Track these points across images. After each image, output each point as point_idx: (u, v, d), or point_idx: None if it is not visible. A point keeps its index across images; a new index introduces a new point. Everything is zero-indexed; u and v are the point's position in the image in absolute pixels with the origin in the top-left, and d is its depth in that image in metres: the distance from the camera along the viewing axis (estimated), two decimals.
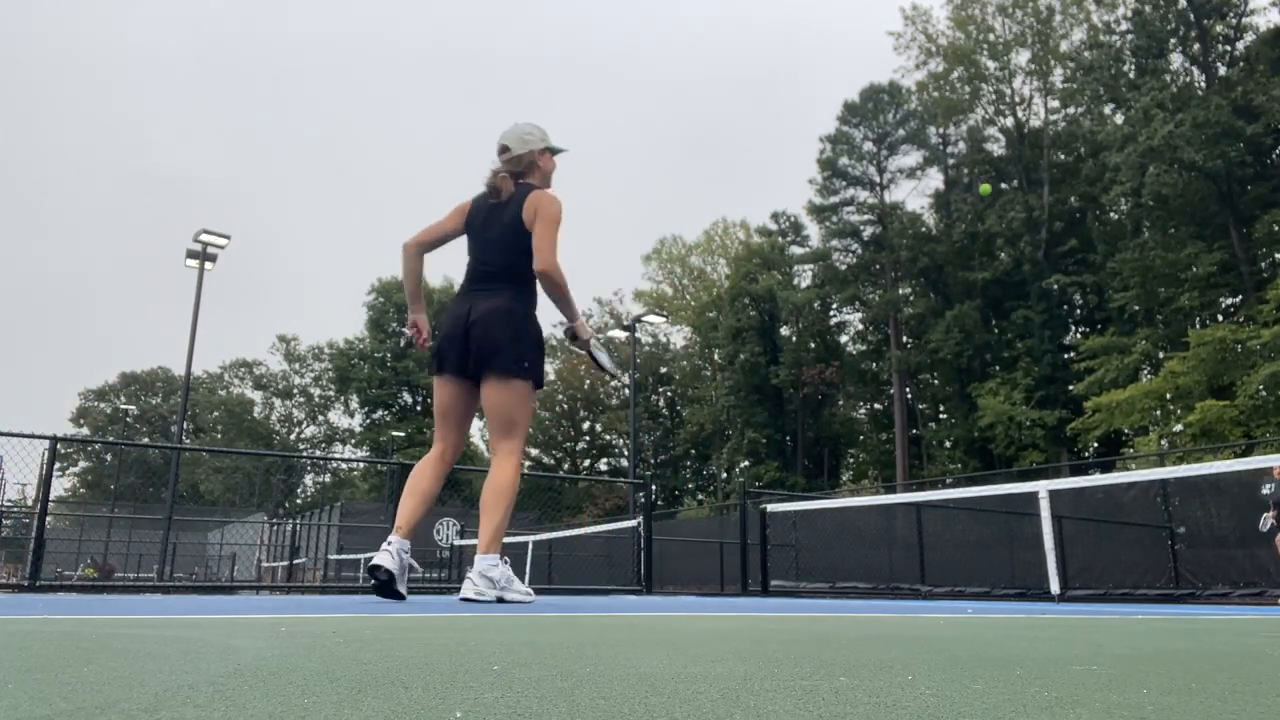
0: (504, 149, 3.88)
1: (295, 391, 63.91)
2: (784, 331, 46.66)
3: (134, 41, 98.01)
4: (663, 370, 57.28)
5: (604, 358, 4.08)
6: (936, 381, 42.12)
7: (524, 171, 3.86)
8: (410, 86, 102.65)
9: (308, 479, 63.85)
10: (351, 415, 59.74)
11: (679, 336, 56.84)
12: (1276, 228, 27.16)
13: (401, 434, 50.44)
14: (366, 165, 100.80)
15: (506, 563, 3.66)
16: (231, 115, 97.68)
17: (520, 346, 3.66)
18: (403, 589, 3.63)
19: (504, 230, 3.73)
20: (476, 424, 62.16)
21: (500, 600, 3.55)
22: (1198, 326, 28.89)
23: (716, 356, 51.33)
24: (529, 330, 3.71)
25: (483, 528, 3.64)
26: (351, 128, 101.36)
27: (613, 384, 57.42)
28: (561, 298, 3.75)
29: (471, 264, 3.86)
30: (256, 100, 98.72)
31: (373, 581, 3.60)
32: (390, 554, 3.57)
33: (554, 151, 3.97)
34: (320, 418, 63.40)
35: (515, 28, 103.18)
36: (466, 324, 3.66)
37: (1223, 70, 31.13)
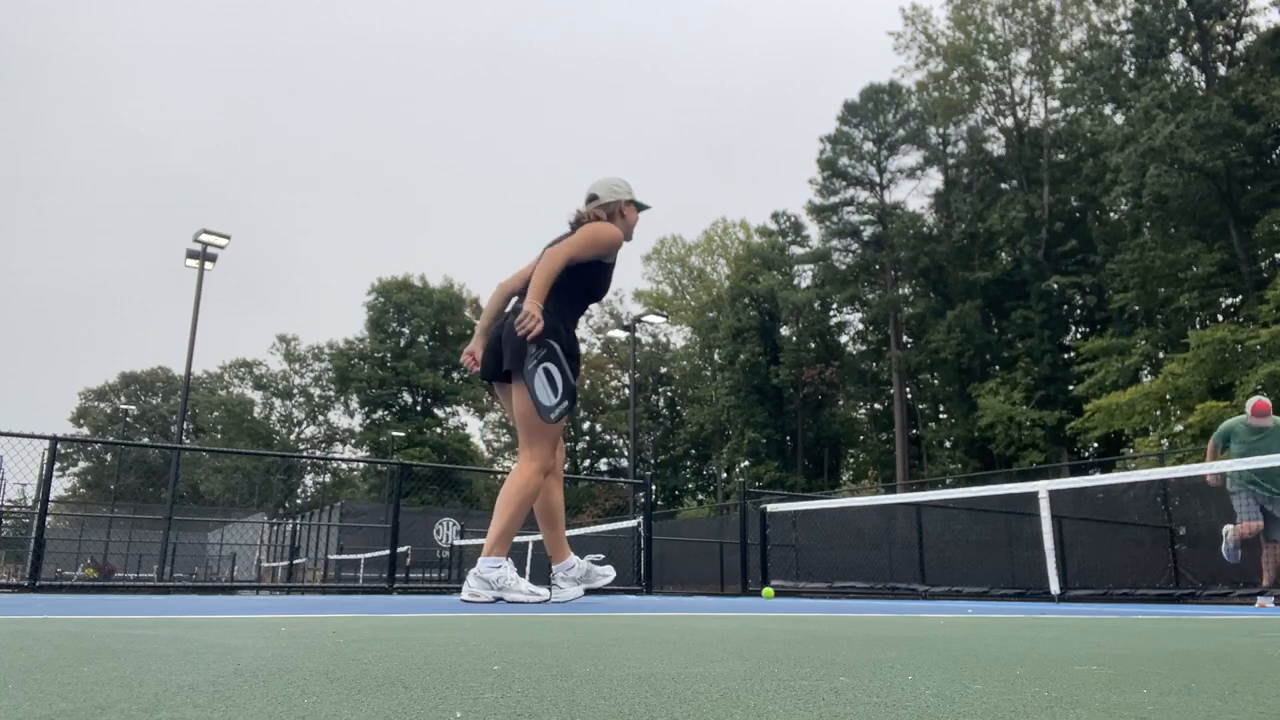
0: (592, 197, 4.00)
1: (295, 391, 63.89)
2: (784, 331, 46.66)
3: (135, 41, 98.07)
4: (663, 370, 57.29)
5: (538, 385, 3.83)
6: (936, 381, 42.12)
7: (610, 219, 3.98)
8: (411, 85, 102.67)
9: (308, 479, 63.83)
10: (351, 415, 59.75)
11: (679, 336, 56.86)
12: (1276, 228, 27.13)
13: (401, 434, 50.42)
14: (367, 164, 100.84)
15: (509, 563, 3.66)
16: (232, 114, 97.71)
17: (525, 339, 3.61)
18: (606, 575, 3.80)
19: (549, 249, 3.83)
20: (476, 425, 61.56)
21: (499, 600, 3.59)
22: (1198, 327, 28.88)
23: (716, 356, 51.34)
24: (557, 329, 3.71)
25: (491, 528, 3.68)
26: (352, 126, 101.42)
27: (613, 384, 57.43)
28: (536, 281, 3.62)
29: (517, 281, 3.99)
30: (257, 99, 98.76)
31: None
32: (468, 582, 3.71)
33: (639, 207, 4.09)
34: (320, 418, 63.39)
35: (516, 28, 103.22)
36: (500, 334, 3.77)
37: (1223, 70, 31.12)
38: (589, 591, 3.74)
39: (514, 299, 3.97)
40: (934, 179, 42.92)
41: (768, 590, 8.47)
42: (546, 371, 3.66)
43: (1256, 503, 7.27)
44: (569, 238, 3.75)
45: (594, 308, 59.59)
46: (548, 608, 3.56)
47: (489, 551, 3.64)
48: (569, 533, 4.16)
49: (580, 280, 3.81)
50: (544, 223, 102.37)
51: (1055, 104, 38.29)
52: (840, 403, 47.09)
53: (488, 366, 3.85)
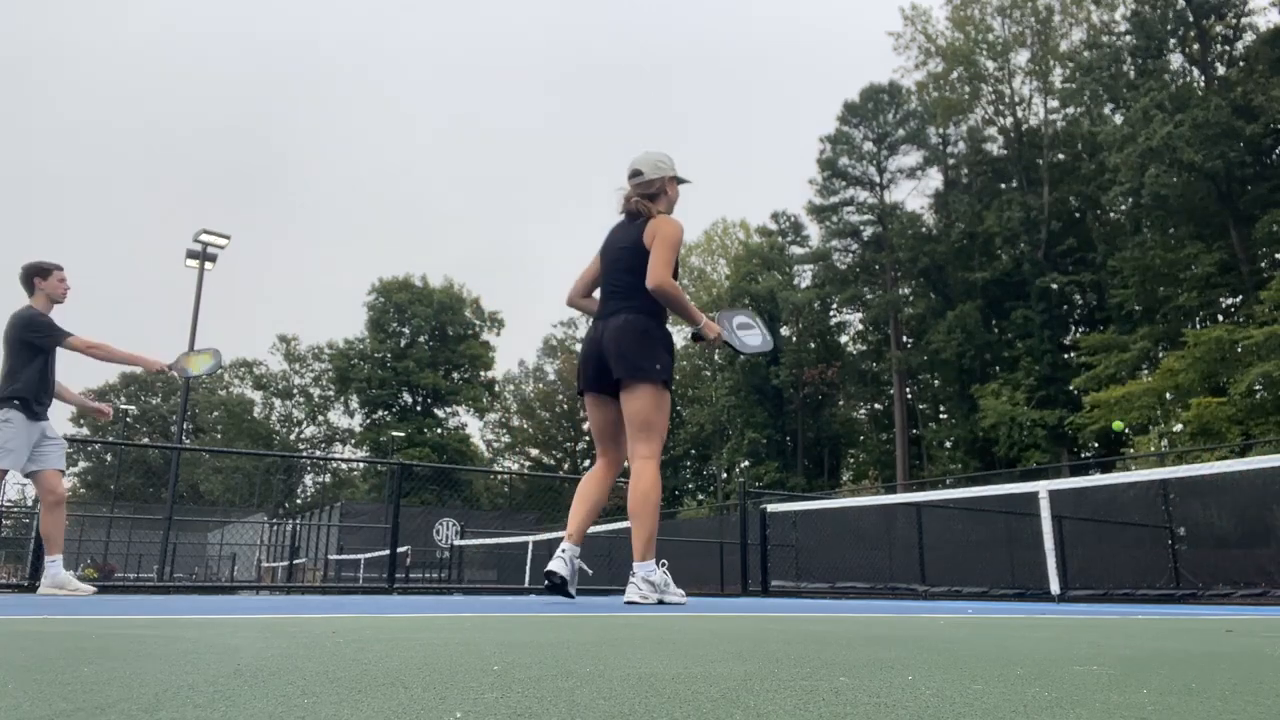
0: (636, 173, 4.07)
1: (295, 391, 63.88)
2: (784, 332, 46.66)
3: (135, 39, 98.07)
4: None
5: (747, 340, 4.20)
6: (937, 382, 42.12)
7: (654, 195, 4.04)
8: (411, 85, 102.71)
9: (308, 479, 63.82)
10: (351, 415, 59.73)
11: (679, 336, 56.83)
12: (1276, 228, 27.14)
13: (401, 434, 50.40)
14: (367, 164, 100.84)
15: (664, 566, 3.84)
16: (232, 113, 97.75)
17: (647, 351, 3.80)
18: (572, 591, 3.81)
19: (626, 252, 3.93)
20: (476, 425, 61.61)
21: (660, 602, 3.72)
22: (1197, 326, 28.91)
23: (716, 356, 51.32)
24: (656, 336, 3.86)
25: (635, 536, 3.77)
26: (352, 125, 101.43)
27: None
28: (678, 308, 3.88)
29: (602, 288, 4.06)
30: (257, 98, 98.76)
31: (546, 584, 3.82)
32: (564, 560, 3.76)
33: (680, 181, 4.15)
34: (320, 418, 63.37)
35: (515, 27, 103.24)
36: (600, 344, 3.86)
37: (1222, 70, 31.13)
38: (552, 587, 3.82)
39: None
40: (934, 179, 42.98)
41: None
42: (729, 334, 4.08)
43: None
44: (656, 254, 3.81)
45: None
46: (546, 607, 3.58)
47: (643, 556, 3.75)
48: (606, 499, 4.17)
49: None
50: (544, 222, 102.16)
51: (1054, 104, 38.33)
52: (840, 403, 47.09)
53: (590, 379, 3.95)
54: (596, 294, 4.15)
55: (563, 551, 3.79)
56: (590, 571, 4.22)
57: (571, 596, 3.82)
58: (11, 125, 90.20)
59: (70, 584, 5.46)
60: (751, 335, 4.22)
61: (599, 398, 3.98)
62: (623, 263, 3.94)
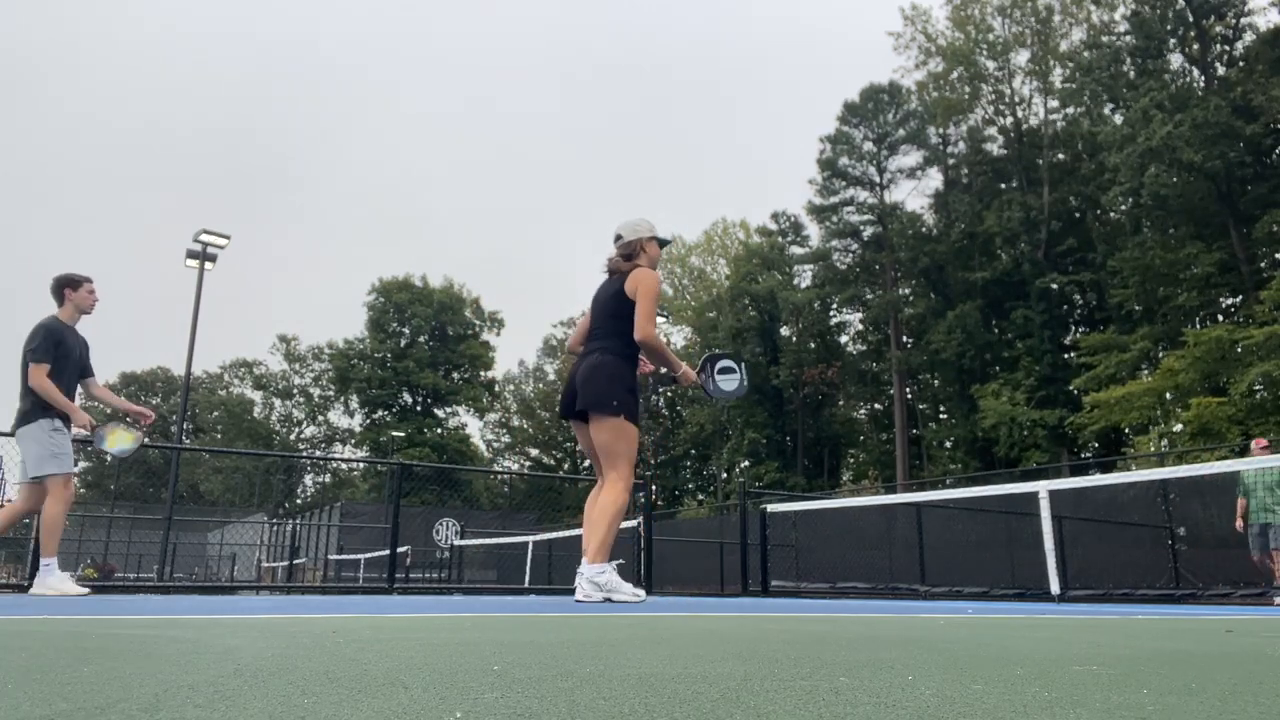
0: (618, 236, 4.61)
1: (295, 391, 63.86)
2: (784, 332, 46.65)
3: (135, 39, 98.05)
4: (662, 370, 57.22)
5: (723, 385, 4.76)
6: (937, 382, 42.11)
7: (633, 254, 4.54)
8: (412, 85, 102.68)
9: (308, 479, 63.81)
10: (351, 415, 59.70)
11: (679, 336, 56.84)
12: (1276, 228, 27.14)
13: (401, 434, 50.39)
14: (368, 164, 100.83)
15: (613, 568, 4.19)
16: (232, 113, 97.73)
17: (609, 389, 4.27)
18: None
19: (609, 299, 4.45)
20: (476, 425, 61.49)
21: (608, 600, 4.07)
22: (1197, 326, 28.90)
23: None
24: (619, 376, 4.32)
25: (588, 540, 4.17)
26: (352, 125, 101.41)
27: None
28: (661, 359, 4.49)
29: (590, 332, 4.55)
30: (258, 98, 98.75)
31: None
32: (581, 585, 4.19)
33: (661, 242, 4.66)
34: (320, 418, 63.35)
35: (516, 26, 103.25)
36: (575, 375, 4.42)
37: (1222, 70, 31.11)
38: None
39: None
40: (934, 179, 42.95)
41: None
42: (707, 381, 4.79)
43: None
44: (640, 309, 4.33)
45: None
46: (546, 607, 3.59)
47: (593, 559, 4.11)
48: (573, 532, 4.84)
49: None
50: (544, 222, 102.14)
51: (1054, 104, 38.30)
52: (840, 403, 47.08)
53: (566, 407, 4.49)
54: None
55: (581, 573, 4.20)
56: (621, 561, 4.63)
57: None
58: (12, 125, 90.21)
59: (64, 586, 5.51)
60: (729, 380, 4.75)
61: (577, 424, 4.49)
62: (607, 309, 4.44)
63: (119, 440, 5.79)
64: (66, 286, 5.59)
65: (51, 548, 5.41)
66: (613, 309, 4.40)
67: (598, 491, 4.35)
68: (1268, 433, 22.04)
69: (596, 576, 4.10)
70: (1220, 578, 9.71)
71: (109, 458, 5.78)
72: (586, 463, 59.12)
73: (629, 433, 4.27)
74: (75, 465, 5.83)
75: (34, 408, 5.32)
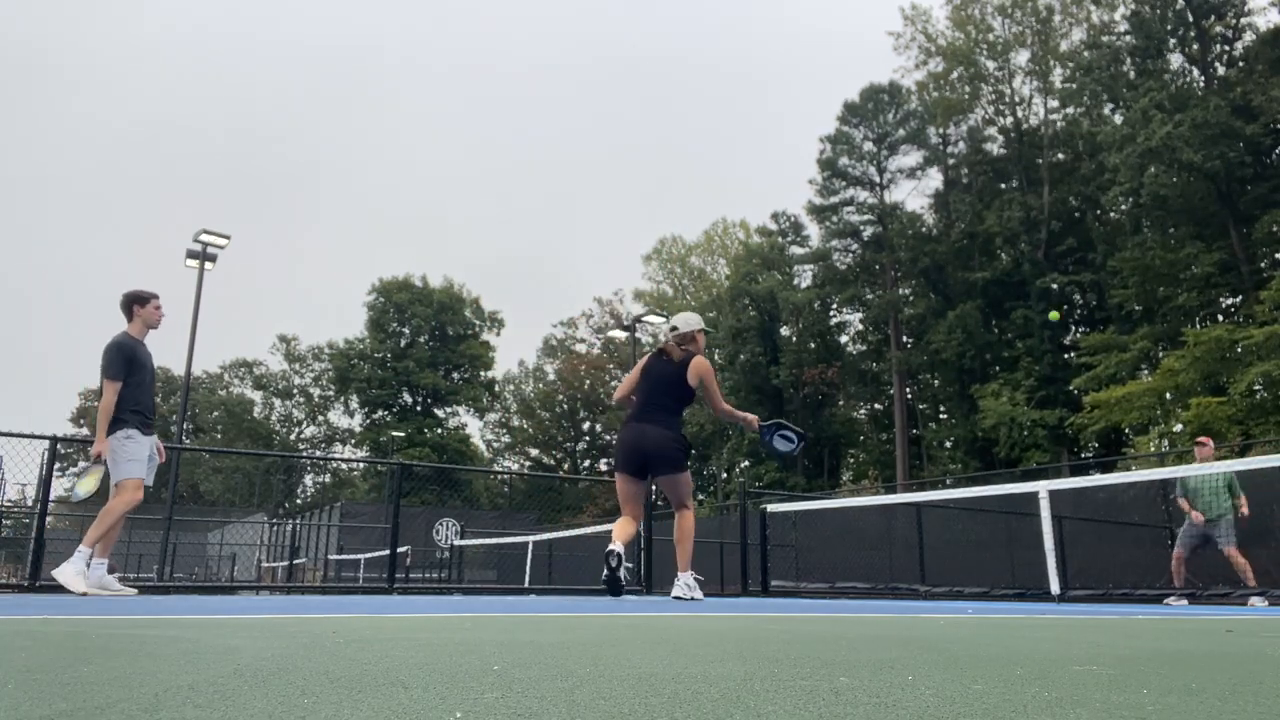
0: (674, 327, 5.81)
1: (295, 391, 63.86)
2: (784, 332, 46.64)
3: (135, 39, 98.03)
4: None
5: (778, 445, 5.96)
6: (937, 382, 42.09)
7: (685, 342, 5.70)
8: (412, 85, 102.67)
9: (308, 479, 63.80)
10: (351, 415, 59.70)
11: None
12: (1276, 228, 27.14)
13: (401, 434, 50.40)
14: (368, 163, 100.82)
15: (693, 575, 5.55)
16: (232, 113, 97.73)
17: (678, 455, 5.54)
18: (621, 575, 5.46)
19: (672, 379, 5.57)
20: (476, 425, 61.50)
21: (693, 599, 5.38)
22: (1197, 326, 28.90)
23: (717, 357, 51.31)
24: (681, 441, 5.59)
25: (678, 556, 5.61)
26: (352, 125, 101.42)
27: (613, 384, 57.55)
28: (734, 420, 5.88)
29: (643, 397, 5.59)
30: (258, 98, 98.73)
31: (605, 571, 5.36)
32: (678, 585, 5.56)
33: (706, 333, 5.86)
34: (320, 418, 63.35)
35: (515, 28, 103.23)
36: (643, 444, 5.51)
37: (1221, 70, 31.12)
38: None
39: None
40: (934, 179, 42.93)
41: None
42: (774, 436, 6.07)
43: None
44: (712, 392, 5.65)
45: (594, 308, 59.35)
46: (545, 607, 3.59)
47: (684, 568, 5.54)
48: (573, 532, 5.87)
49: (686, 400, 5.61)
50: (544, 222, 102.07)
51: (1054, 104, 38.30)
52: (840, 403, 47.07)
53: (633, 467, 5.58)
54: (632, 396, 5.74)
55: (678, 579, 5.60)
56: (630, 564, 6.14)
57: (620, 584, 5.45)
58: (14, 125, 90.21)
59: (113, 585, 5.68)
60: (785, 444, 5.99)
61: (631, 478, 5.60)
62: (668, 390, 5.56)
63: (85, 486, 5.91)
64: (135, 303, 5.86)
65: (93, 537, 5.52)
66: (676, 393, 5.55)
67: (626, 522, 5.55)
68: (1268, 433, 22.04)
69: (688, 580, 5.48)
70: (1220, 578, 9.70)
71: (70, 495, 5.95)
72: (586, 462, 59.37)
73: (689, 476, 5.64)
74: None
75: (112, 421, 5.60)
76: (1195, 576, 8.98)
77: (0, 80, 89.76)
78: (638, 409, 5.59)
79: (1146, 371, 29.60)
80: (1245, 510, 8.44)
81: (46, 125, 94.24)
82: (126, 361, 5.70)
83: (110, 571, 5.83)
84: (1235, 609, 6.22)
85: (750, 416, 5.93)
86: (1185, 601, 7.75)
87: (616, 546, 5.28)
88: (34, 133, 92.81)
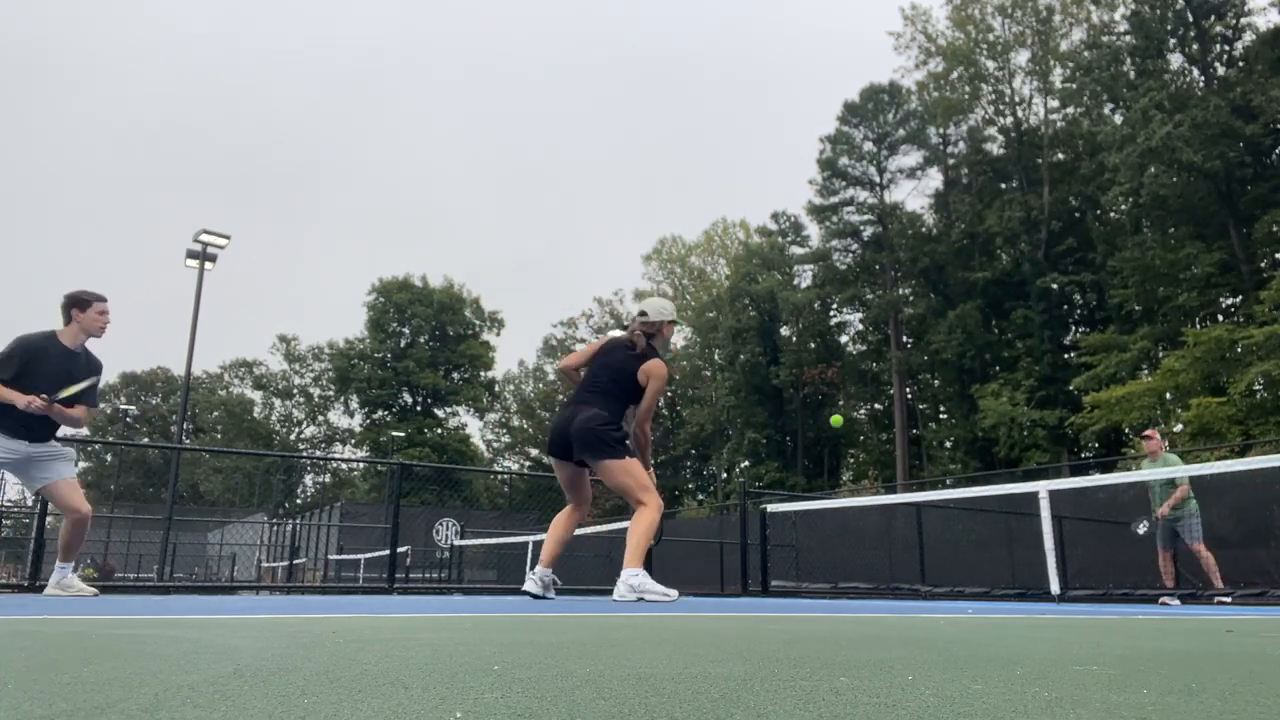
0: (643, 313, 5.27)
1: (295, 391, 63.87)
2: (784, 332, 46.63)
3: (135, 39, 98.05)
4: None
5: None
6: (937, 382, 42.10)
7: (653, 333, 5.19)
8: (411, 86, 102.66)
9: (308, 479, 63.82)
10: (351, 415, 59.70)
11: (679, 336, 56.88)
12: (1276, 228, 27.13)
13: (401, 434, 50.40)
14: (368, 164, 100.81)
15: (644, 573, 4.80)
16: (233, 114, 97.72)
17: (604, 437, 4.89)
18: (550, 595, 5.09)
19: (625, 369, 5.04)
20: (476, 425, 61.39)
21: (640, 599, 4.61)
22: (1197, 326, 28.90)
23: (716, 357, 51.34)
24: (612, 424, 4.95)
25: (627, 550, 4.86)
26: (353, 126, 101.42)
27: None
28: (642, 450, 5.13)
29: (588, 378, 5.12)
30: (258, 99, 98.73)
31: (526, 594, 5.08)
32: (534, 580, 5.02)
33: (675, 324, 5.36)
34: (320, 418, 63.35)
35: (515, 27, 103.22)
36: (568, 426, 4.95)
37: (1221, 70, 31.11)
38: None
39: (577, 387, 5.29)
40: (934, 179, 42.93)
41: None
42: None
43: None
44: (647, 398, 5.07)
45: (594, 308, 59.50)
46: (545, 607, 3.60)
47: (630, 564, 4.75)
48: (573, 532, 5.25)
49: (633, 393, 5.07)
50: (544, 222, 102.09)
51: (1054, 104, 38.30)
52: (840, 403, 47.06)
53: (559, 449, 5.03)
54: (581, 372, 5.28)
55: (532, 573, 5.03)
56: (559, 584, 5.69)
57: (550, 598, 5.04)
58: (15, 124, 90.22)
59: (74, 586, 5.51)
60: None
61: (561, 462, 5.07)
62: (617, 379, 5.02)
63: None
64: (74, 306, 5.19)
65: (69, 554, 5.50)
66: (625, 380, 5.03)
67: (567, 514, 5.15)
68: (1268, 433, 22.05)
69: (630, 579, 4.72)
70: (1221, 578, 9.70)
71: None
72: None
73: (632, 464, 4.93)
74: (73, 465, 5.76)
75: None
76: (1195, 576, 8.97)
77: (0, 80, 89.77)
78: (578, 390, 5.13)
79: (1146, 371, 29.58)
80: (1164, 510, 8.42)
81: (46, 125, 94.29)
82: (18, 362, 4.98)
83: (110, 573, 5.82)
84: (1205, 608, 6.23)
85: (648, 467, 5.25)
86: (1178, 601, 7.73)
87: (532, 584, 4.96)
88: (34, 133, 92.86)
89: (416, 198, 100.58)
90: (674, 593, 4.77)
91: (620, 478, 4.88)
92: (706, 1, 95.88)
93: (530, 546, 14.64)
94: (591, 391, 5.02)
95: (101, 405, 66.26)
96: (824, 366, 43.94)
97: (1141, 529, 8.49)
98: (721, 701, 0.95)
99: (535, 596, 4.98)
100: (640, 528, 4.80)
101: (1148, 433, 8.98)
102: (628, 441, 4.99)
